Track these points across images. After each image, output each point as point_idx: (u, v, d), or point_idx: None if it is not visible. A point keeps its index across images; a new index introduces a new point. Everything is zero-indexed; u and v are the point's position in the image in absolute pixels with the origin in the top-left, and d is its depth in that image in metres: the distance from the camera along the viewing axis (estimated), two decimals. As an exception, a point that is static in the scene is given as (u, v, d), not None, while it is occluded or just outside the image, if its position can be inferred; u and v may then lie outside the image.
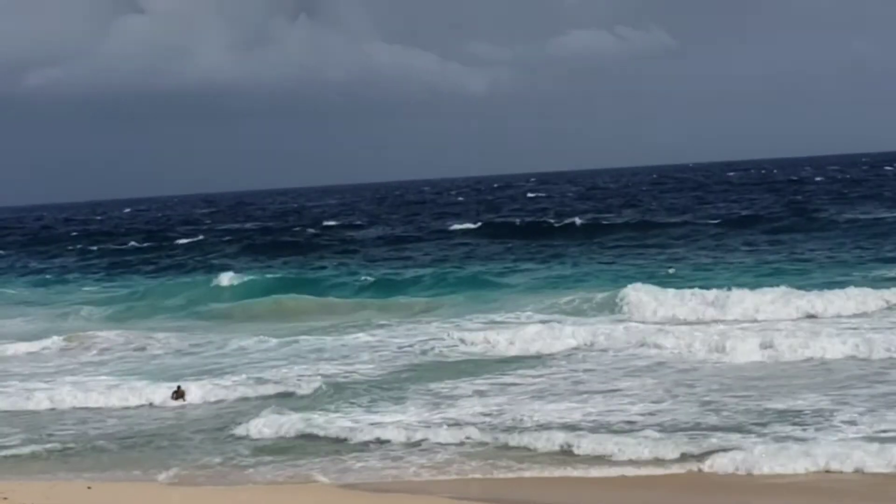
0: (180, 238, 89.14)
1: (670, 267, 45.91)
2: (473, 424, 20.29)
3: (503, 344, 29.34)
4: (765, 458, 16.88)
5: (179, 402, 24.55)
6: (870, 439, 17.66)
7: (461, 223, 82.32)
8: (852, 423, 18.98)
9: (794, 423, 19.14)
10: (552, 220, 76.64)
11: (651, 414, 20.53)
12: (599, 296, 36.17)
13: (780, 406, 20.55)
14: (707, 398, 21.64)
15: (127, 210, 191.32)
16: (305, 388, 24.91)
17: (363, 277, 49.44)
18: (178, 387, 25.07)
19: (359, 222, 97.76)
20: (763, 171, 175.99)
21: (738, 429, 18.94)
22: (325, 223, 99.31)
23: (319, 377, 26.01)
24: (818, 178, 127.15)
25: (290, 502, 16.71)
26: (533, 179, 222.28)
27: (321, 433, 20.68)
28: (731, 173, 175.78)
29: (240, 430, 21.29)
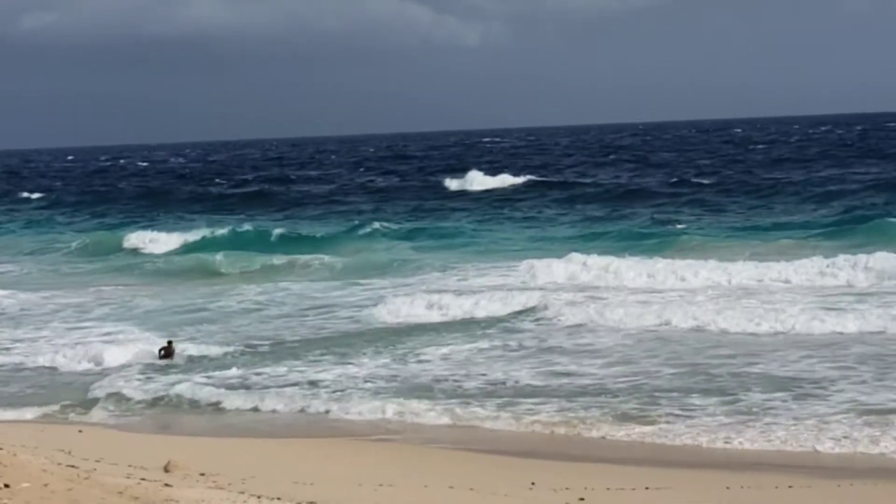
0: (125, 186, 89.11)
1: (679, 223, 46.31)
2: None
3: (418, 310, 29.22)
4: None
5: (166, 361, 23.96)
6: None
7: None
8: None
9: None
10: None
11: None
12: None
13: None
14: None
15: (105, 157, 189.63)
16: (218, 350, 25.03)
17: (275, 231, 49.57)
18: (169, 342, 24.65)
19: (294, 175, 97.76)
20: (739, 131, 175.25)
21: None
22: (256, 175, 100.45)
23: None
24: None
25: (303, 454, 16.91)
26: (531, 137, 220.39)
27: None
28: (738, 130, 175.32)
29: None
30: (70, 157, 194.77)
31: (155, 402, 20.83)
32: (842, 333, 24.13)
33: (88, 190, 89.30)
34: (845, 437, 16.65)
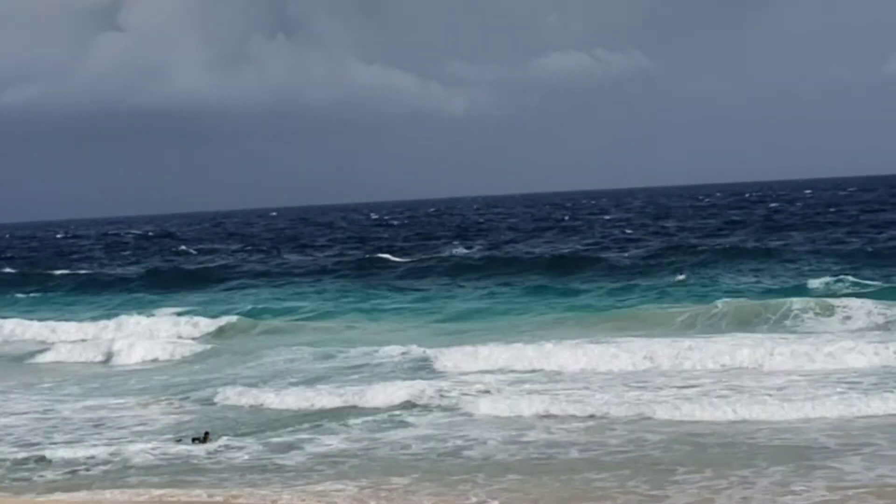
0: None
1: (679, 275, 46.90)
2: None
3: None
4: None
5: (200, 446, 23.41)
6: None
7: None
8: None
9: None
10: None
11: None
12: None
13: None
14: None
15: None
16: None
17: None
18: (206, 433, 24.08)
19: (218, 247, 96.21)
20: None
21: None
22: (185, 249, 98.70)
23: None
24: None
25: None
26: (531, 207, 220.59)
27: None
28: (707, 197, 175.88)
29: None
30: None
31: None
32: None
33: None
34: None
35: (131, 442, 23.33)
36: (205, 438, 23.64)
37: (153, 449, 22.60)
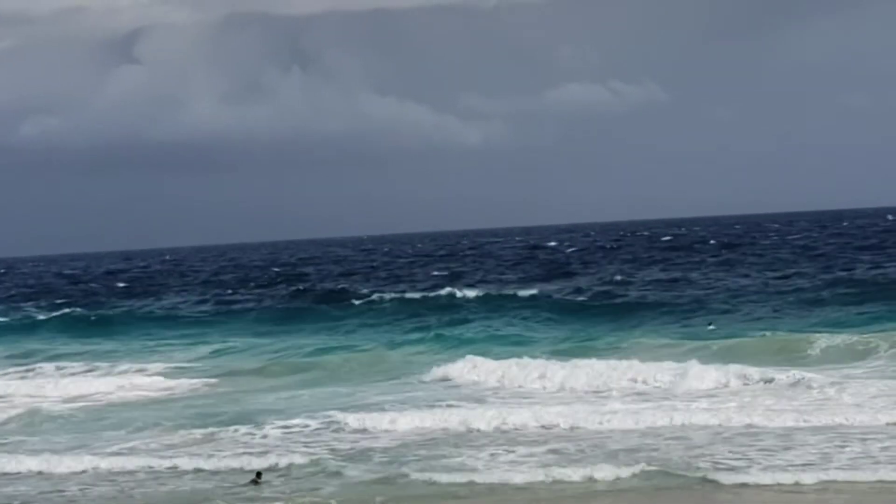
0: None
1: (709, 324, 45.64)
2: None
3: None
4: None
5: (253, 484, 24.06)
6: None
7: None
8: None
9: None
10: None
11: None
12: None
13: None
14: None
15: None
16: None
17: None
18: (259, 473, 24.64)
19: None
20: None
21: None
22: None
23: None
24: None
25: None
26: (519, 239, 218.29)
27: None
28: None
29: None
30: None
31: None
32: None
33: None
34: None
35: None
36: (258, 477, 24.32)
37: None
